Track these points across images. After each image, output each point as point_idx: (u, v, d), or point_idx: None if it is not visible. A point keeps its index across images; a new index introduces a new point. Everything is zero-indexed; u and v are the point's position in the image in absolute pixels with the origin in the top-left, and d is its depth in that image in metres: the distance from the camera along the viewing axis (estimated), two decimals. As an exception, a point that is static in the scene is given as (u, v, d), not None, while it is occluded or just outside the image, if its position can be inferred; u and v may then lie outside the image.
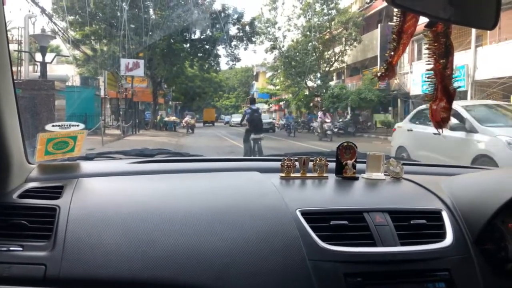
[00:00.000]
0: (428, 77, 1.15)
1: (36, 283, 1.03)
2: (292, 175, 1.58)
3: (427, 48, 1.11)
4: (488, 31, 14.02)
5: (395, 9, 1.07)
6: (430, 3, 0.95)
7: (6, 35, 1.19)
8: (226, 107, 63.96)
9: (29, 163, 1.48)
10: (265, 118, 38.71)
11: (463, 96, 16.96)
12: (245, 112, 10.59)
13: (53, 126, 1.56)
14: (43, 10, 15.94)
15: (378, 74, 1.19)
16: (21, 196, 1.27)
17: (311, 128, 24.78)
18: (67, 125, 1.58)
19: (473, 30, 15.21)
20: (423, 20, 1.06)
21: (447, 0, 0.94)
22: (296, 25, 28.21)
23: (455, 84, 1.15)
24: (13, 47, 14.07)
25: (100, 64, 22.34)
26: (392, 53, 1.14)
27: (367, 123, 24.36)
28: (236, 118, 41.19)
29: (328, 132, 19.25)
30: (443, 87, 1.13)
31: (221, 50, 27.95)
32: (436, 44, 1.09)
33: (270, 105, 42.99)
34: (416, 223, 1.27)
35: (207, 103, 44.70)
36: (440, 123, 1.17)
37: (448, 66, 1.10)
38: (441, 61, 1.09)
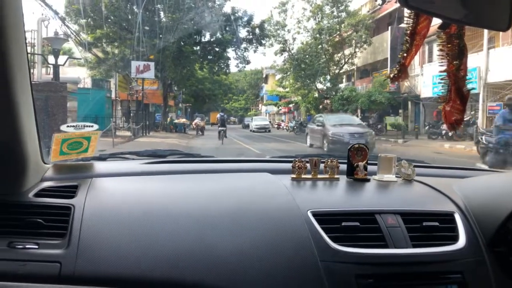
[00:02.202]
0: (441, 79, 1.14)
1: (51, 281, 1.04)
2: (303, 176, 1.58)
3: (440, 50, 1.11)
4: (501, 33, 13.86)
5: (408, 11, 1.07)
6: (444, 5, 0.95)
7: (25, 39, 1.22)
8: (236, 109, 64.12)
9: (44, 163, 1.50)
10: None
11: (475, 98, 16.77)
12: (218, 116, 17.93)
13: (68, 126, 1.58)
14: (56, 13, 16.18)
15: (391, 75, 1.19)
16: (37, 195, 1.29)
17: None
18: (81, 125, 1.61)
19: (486, 32, 15.07)
20: (436, 22, 1.06)
21: (460, 1, 0.94)
22: (306, 27, 28.19)
23: (468, 86, 1.15)
24: (26, 49, 14.28)
25: (111, 67, 22.54)
26: (405, 54, 1.14)
27: (377, 126, 24.20)
28: (261, 121, 34.62)
29: None
30: (456, 89, 1.13)
31: (231, 52, 27.73)
32: (449, 45, 1.09)
33: (280, 108, 42.83)
34: (428, 225, 1.27)
35: (216, 105, 44.71)
36: (454, 125, 1.17)
37: (462, 67, 1.10)
38: (454, 62, 1.09)
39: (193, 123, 27.29)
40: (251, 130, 33.00)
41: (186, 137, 21.02)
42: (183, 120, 28.32)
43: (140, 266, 1.08)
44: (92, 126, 1.63)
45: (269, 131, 31.43)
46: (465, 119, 1.20)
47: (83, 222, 1.17)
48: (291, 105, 37.84)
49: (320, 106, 29.20)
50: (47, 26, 15.45)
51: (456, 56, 1.09)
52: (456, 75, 1.11)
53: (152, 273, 1.07)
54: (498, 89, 16.66)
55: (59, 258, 1.08)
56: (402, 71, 1.17)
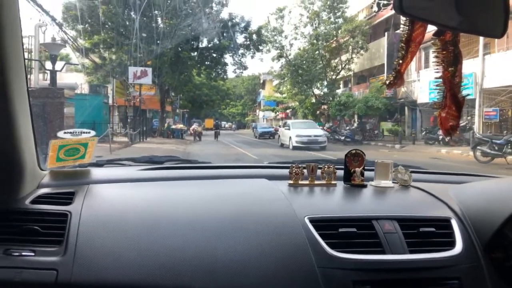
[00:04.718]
0: (436, 85, 1.15)
1: None
2: (300, 182, 1.58)
3: (436, 57, 1.12)
4: (496, 39, 13.96)
5: (403, 18, 1.08)
6: (438, 12, 0.95)
7: (22, 44, 1.22)
8: (233, 115, 64.23)
9: (41, 169, 1.49)
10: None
11: (472, 104, 16.85)
12: (214, 122, 21.08)
13: (64, 133, 1.58)
14: (53, 19, 16.16)
15: (387, 82, 1.20)
16: (34, 202, 1.29)
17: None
18: (78, 132, 1.60)
19: (481, 38, 15.17)
20: (431, 29, 1.07)
21: (455, 9, 0.95)
22: (303, 33, 28.31)
23: (464, 92, 1.15)
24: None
25: (108, 72, 22.54)
26: (401, 61, 1.15)
27: (374, 131, 24.28)
28: (309, 130, 18.71)
29: None
30: (452, 95, 1.13)
31: (228, 58, 27.70)
32: (444, 52, 1.10)
33: (277, 113, 42.88)
34: (425, 231, 1.27)
35: (214, 111, 44.88)
36: (449, 131, 1.17)
37: (457, 74, 1.11)
38: (449, 69, 1.10)
39: (191, 128, 27.33)
40: (283, 145, 19.50)
41: (183, 143, 21.01)
42: (180, 126, 28.32)
43: (137, 272, 1.07)
44: (89, 133, 1.63)
45: (325, 147, 17.97)
46: (461, 124, 1.21)
47: (80, 229, 1.17)
48: (288, 111, 37.89)
49: (318, 112, 29.29)
50: (44, 32, 15.50)
51: (451, 63, 1.09)
52: (451, 82, 1.11)
53: (149, 280, 1.07)
54: (494, 95, 16.77)
55: (56, 265, 1.07)
56: (398, 78, 1.18)
